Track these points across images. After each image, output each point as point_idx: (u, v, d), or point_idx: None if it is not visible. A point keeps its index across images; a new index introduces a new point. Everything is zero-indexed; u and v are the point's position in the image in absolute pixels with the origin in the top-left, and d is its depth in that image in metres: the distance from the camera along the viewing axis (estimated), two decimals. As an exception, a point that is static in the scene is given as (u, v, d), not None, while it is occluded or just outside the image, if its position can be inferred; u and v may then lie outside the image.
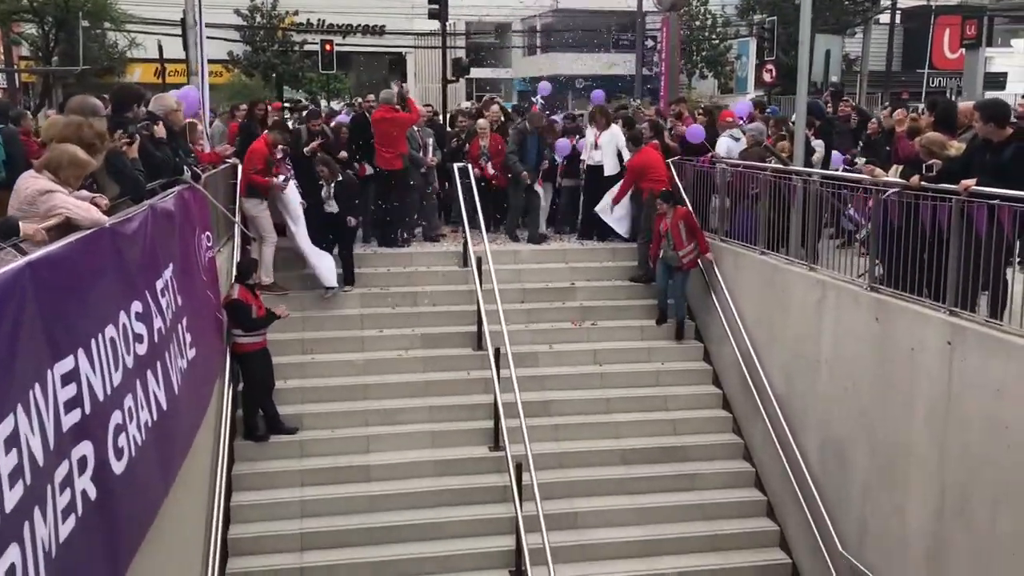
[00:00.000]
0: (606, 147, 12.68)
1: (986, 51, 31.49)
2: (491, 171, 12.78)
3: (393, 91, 12.58)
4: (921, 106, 11.21)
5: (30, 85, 36.45)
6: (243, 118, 12.30)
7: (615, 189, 12.30)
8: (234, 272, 9.67)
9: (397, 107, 12.12)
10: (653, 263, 11.47)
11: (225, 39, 36.74)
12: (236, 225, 10.47)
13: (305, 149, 11.58)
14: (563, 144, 13.23)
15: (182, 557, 6.77)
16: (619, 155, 12.61)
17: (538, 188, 12.98)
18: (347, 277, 11.32)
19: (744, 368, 10.27)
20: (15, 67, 33.69)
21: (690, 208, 11.50)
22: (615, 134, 12.70)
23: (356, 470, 9.59)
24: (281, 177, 10.81)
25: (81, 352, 3.95)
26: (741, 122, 13.04)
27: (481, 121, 13.33)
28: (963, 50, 32.83)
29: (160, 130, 7.46)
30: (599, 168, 12.76)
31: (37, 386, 3.44)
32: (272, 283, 10.88)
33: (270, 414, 9.63)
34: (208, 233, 8.45)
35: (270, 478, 9.39)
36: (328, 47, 33.38)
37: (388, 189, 12.11)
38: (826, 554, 8.67)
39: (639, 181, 11.85)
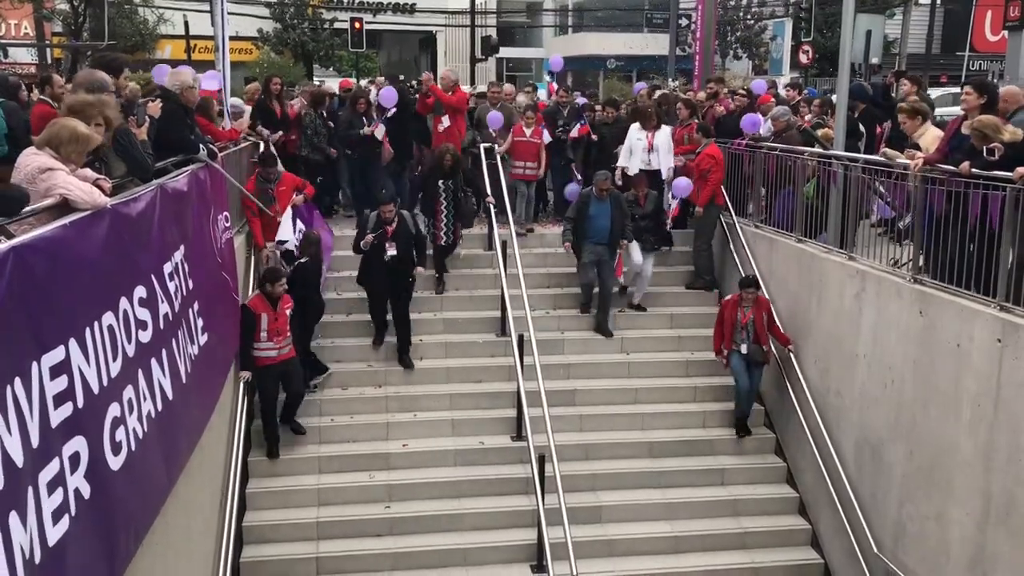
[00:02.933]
0: (663, 148, 11.46)
1: (1030, 33, 30.55)
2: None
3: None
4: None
5: (62, 61, 36.54)
6: (258, 95, 11.99)
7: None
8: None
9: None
10: (724, 359, 9.92)
11: (255, 16, 36.63)
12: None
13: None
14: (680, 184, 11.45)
15: (193, 546, 6.57)
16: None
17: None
18: (402, 352, 10.27)
19: (777, 360, 9.92)
20: (47, 42, 33.71)
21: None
22: (667, 134, 11.60)
23: (375, 458, 9.38)
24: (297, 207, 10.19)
25: (73, 342, 3.71)
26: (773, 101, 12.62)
27: (521, 97, 13.05)
28: (1005, 32, 31.87)
29: (154, 107, 7.15)
30: (655, 174, 11.50)
31: (17, 381, 3.19)
32: None
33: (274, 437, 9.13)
34: (226, 214, 8.22)
35: (287, 465, 9.20)
36: (358, 25, 33.11)
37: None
38: (860, 555, 8.33)
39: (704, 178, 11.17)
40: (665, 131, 11.56)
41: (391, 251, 9.70)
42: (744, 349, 9.66)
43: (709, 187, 11.13)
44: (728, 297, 10.01)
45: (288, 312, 8.84)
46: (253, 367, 8.74)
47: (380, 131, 11.66)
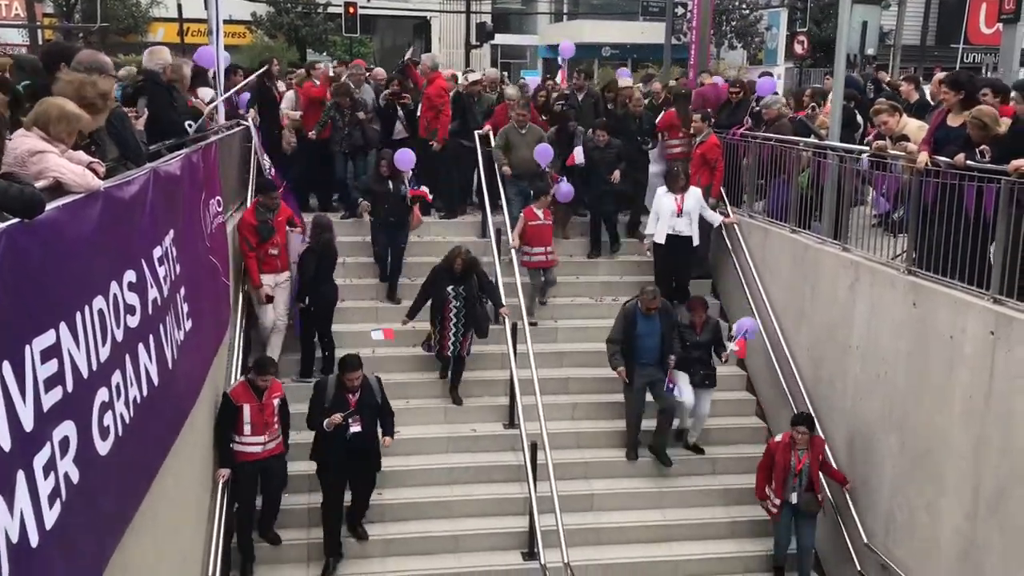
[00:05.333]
0: (692, 213, 10.48)
1: (1024, 27, 30.55)
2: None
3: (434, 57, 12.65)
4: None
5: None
6: (258, 78, 11.88)
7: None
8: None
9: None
10: (774, 511, 8.52)
11: (249, -1, 36.40)
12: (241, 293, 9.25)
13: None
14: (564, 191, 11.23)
15: (181, 530, 6.54)
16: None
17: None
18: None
19: (770, 350, 9.92)
20: (38, 24, 33.42)
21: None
22: (698, 196, 10.64)
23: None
24: (298, 236, 9.87)
25: (63, 326, 3.67)
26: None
27: (509, 89, 12.59)
28: (1000, 25, 31.85)
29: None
30: (685, 240, 10.53)
31: (6, 364, 3.15)
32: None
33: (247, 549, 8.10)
34: (218, 198, 8.15)
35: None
36: (352, 10, 32.95)
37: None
38: (850, 545, 8.35)
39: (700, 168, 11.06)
40: (695, 193, 10.58)
41: (355, 427, 8.01)
42: (795, 499, 8.30)
43: (719, 176, 11.08)
44: (778, 438, 8.44)
45: (276, 402, 7.97)
46: (232, 463, 7.82)
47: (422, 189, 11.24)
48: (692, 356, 9.40)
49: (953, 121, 7.67)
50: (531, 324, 10.21)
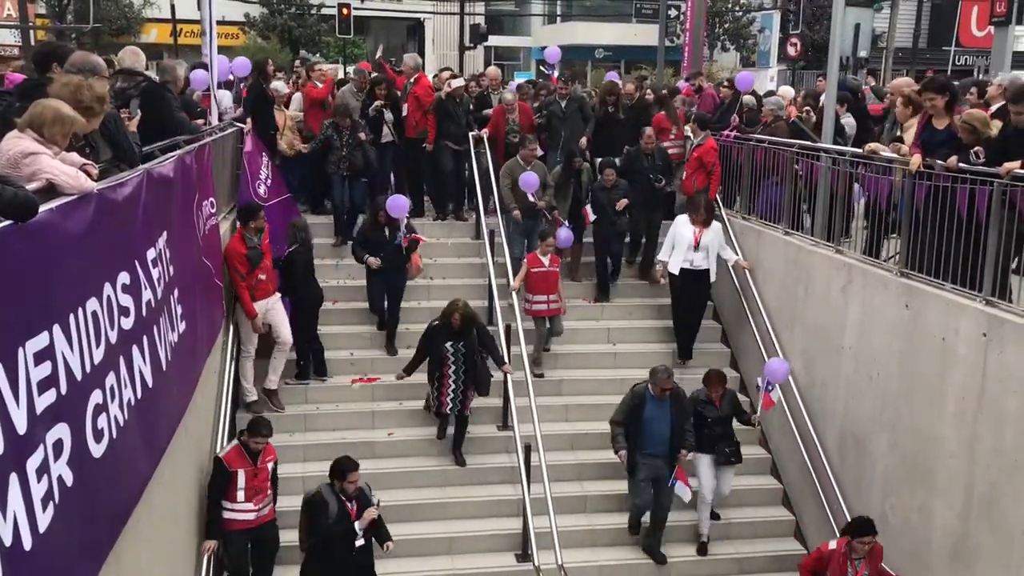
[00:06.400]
0: (711, 247, 10.06)
1: (1016, 29, 30.62)
2: (539, 152, 11.22)
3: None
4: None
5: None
6: (252, 79, 11.88)
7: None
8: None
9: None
10: None
11: (242, 0, 36.32)
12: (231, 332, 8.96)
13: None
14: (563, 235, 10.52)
15: (175, 533, 6.53)
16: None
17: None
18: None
19: (763, 352, 9.94)
20: (31, 24, 33.32)
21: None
22: (719, 231, 10.25)
23: (361, 446, 9.31)
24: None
25: (57, 328, 3.66)
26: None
27: (507, 95, 12.14)
28: (992, 27, 31.96)
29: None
30: (701, 274, 10.15)
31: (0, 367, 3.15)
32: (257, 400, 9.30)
33: None
34: (212, 199, 8.14)
35: (272, 453, 9.14)
36: (346, 11, 32.90)
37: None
38: (843, 547, 8.36)
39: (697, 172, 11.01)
40: (716, 228, 10.15)
41: (360, 541, 7.32)
42: None
43: (716, 179, 11.06)
44: (832, 545, 7.26)
45: (270, 466, 7.59)
46: (220, 533, 7.28)
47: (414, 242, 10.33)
48: (715, 433, 8.74)
49: (938, 124, 7.71)
50: (536, 376, 9.91)
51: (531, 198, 10.56)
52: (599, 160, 11.45)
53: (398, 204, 9.94)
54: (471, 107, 12.28)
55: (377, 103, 11.68)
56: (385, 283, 10.21)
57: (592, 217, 10.92)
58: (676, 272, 10.10)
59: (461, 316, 8.91)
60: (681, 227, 10.10)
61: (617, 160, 11.24)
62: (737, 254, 10.50)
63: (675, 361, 10.32)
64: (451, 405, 9.10)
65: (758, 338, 10.00)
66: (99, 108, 5.21)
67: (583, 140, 11.49)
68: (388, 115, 11.81)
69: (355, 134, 11.11)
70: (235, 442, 7.50)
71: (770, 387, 8.69)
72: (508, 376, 9.29)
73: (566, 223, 10.98)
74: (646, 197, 11.02)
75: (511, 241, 10.84)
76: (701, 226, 10.01)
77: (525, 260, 10.20)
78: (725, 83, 13.28)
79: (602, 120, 11.91)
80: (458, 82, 12.14)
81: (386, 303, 10.29)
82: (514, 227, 10.95)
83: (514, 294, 9.29)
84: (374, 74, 12.44)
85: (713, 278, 10.25)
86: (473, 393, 9.20)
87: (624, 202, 10.74)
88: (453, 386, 9.02)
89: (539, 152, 11.09)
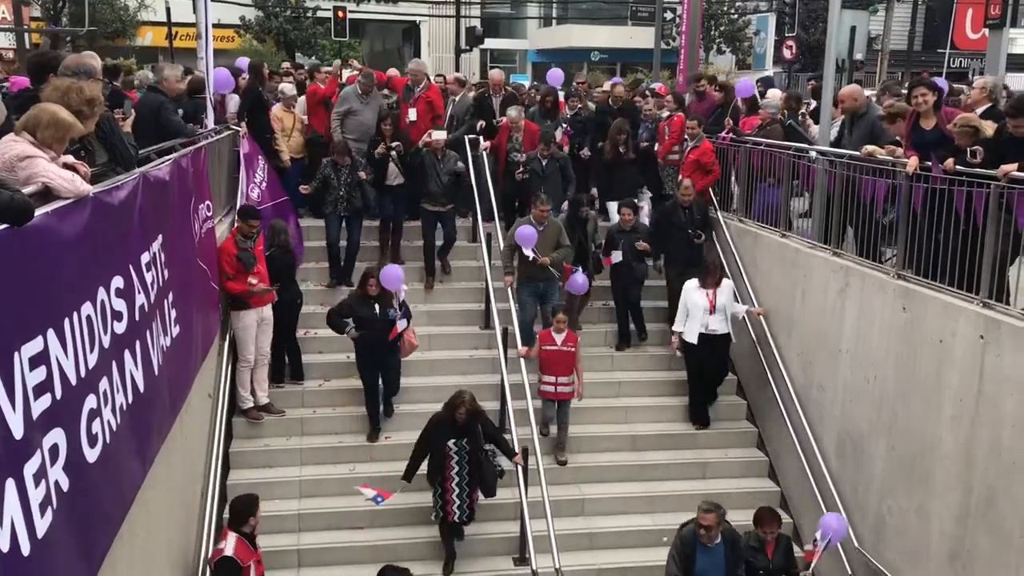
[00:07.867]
0: (727, 307, 9.68)
1: (1010, 32, 30.68)
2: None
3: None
4: (966, 88, 10.42)
5: (40, 47, 36.05)
6: (248, 82, 11.84)
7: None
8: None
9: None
10: None
11: (237, 3, 36.29)
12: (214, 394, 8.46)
13: None
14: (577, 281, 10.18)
15: (170, 538, 6.50)
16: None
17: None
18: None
19: (760, 354, 9.94)
20: (25, 27, 33.24)
21: None
22: (730, 288, 9.87)
23: (358, 450, 9.34)
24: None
25: (52, 332, 3.64)
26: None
27: (512, 112, 11.63)
28: (986, 30, 32.04)
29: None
30: (720, 337, 9.71)
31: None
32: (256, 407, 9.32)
33: None
34: (208, 203, 8.12)
35: (269, 456, 9.15)
36: (341, 14, 32.92)
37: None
38: (840, 549, 8.35)
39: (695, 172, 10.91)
40: (727, 285, 9.79)
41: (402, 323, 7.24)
42: None
43: (712, 180, 11.07)
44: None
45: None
46: None
47: (402, 324, 9.22)
48: None
49: (925, 124, 7.71)
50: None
51: (527, 252, 9.76)
52: (615, 204, 11.03)
53: (392, 275, 8.98)
54: (471, 112, 12.22)
55: (380, 149, 10.87)
56: (376, 363, 9.30)
57: (617, 258, 10.43)
58: (694, 341, 9.59)
59: (467, 411, 8.09)
60: (692, 293, 9.63)
61: (636, 200, 11.01)
62: (743, 303, 10.09)
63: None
64: (458, 513, 8.31)
65: (755, 340, 9.98)
66: (88, 111, 5.15)
67: (642, 244, 10.42)
68: (395, 151, 10.93)
69: (354, 173, 10.55)
70: (235, 536, 6.91)
71: (826, 543, 7.54)
72: (505, 382, 9.25)
73: (578, 268, 10.38)
74: (684, 253, 10.39)
75: (521, 304, 10.13)
76: (713, 287, 9.60)
77: (538, 337, 9.53)
78: (717, 87, 13.20)
79: (611, 163, 11.40)
80: (439, 134, 10.87)
81: (380, 383, 9.43)
82: (524, 290, 10.14)
83: (522, 362, 8.86)
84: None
85: (733, 339, 9.89)
86: (478, 495, 8.45)
87: (644, 245, 10.34)
88: (457, 489, 8.23)
89: (550, 209, 10.16)
